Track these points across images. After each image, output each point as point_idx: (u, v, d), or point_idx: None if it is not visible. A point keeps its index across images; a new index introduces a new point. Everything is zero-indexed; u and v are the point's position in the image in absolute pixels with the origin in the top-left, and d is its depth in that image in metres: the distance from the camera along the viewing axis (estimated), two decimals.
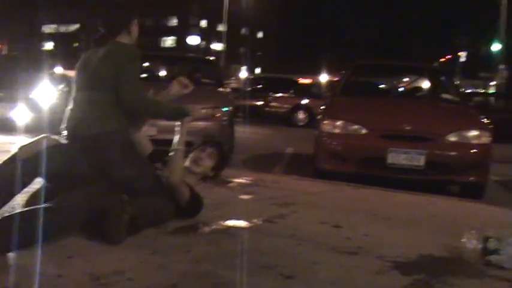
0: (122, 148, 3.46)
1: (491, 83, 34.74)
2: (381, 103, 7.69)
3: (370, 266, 3.05)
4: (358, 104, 7.40)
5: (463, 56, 51.51)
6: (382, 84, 10.96)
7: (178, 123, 3.75)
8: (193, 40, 76.24)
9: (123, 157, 3.45)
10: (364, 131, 6.52)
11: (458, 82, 13.71)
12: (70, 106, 3.58)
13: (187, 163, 3.85)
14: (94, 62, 3.54)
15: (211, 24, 74.04)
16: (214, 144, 4.09)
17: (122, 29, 3.65)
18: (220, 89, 9.19)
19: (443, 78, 9.17)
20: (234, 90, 18.95)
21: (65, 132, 3.52)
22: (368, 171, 6.43)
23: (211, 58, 12.94)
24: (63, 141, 3.45)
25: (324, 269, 2.95)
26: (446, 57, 56.33)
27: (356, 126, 6.57)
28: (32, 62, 13.73)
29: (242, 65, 55.28)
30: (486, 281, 2.95)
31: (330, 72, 29.49)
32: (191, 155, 3.90)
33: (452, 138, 6.41)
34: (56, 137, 3.40)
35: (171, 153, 3.67)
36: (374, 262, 3.12)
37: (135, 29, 3.72)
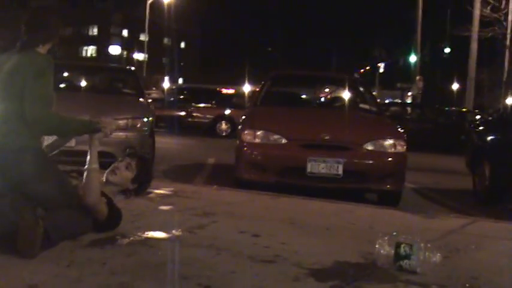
0: (36, 163, 3.34)
1: (409, 93, 36.03)
2: (301, 113, 7.84)
3: (287, 273, 3.10)
4: (278, 114, 7.51)
5: (381, 67, 53.17)
6: (302, 94, 11.17)
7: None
8: (114, 50, 75.10)
9: (37, 172, 3.34)
10: (284, 141, 6.63)
11: (376, 92, 14.10)
12: None
13: (105, 173, 3.78)
14: (4, 73, 3.41)
15: (133, 34, 73.24)
16: (135, 156, 4.03)
17: (51, 39, 3.53)
18: (141, 99, 9.11)
19: (361, 88, 9.43)
20: (155, 100, 18.81)
21: None
22: (288, 180, 6.53)
23: (132, 68, 12.80)
24: None
25: (241, 278, 2.98)
26: (366, 68, 57.96)
27: (276, 136, 6.66)
28: None
29: (165, 75, 54.94)
30: (398, 286, 3.05)
31: (252, 82, 29.77)
32: (111, 166, 3.84)
33: (369, 147, 6.60)
34: None
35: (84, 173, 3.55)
36: (291, 270, 3.17)
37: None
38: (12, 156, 3.28)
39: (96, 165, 3.55)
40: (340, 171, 6.37)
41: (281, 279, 3.00)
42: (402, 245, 3.25)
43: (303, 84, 11.19)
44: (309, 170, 6.37)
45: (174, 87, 32.28)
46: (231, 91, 27.20)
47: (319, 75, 11.37)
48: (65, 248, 3.25)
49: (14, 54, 3.49)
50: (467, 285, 3.14)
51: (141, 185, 3.90)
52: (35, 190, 3.30)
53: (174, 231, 3.93)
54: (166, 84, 42.67)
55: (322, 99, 12.14)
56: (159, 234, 3.83)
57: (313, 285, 2.96)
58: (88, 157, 3.57)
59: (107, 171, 3.78)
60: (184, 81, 56.44)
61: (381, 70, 53.47)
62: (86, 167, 3.54)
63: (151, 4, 46.18)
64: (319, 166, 6.38)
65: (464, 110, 24.04)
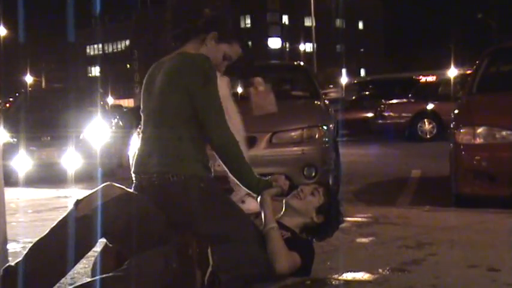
0: (207, 195, 3.43)
1: None
2: None
3: None
4: (503, 103, 7.20)
5: None
6: None
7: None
8: (273, 43, 76.91)
9: (208, 206, 3.43)
10: None
11: None
12: (138, 145, 3.60)
13: (287, 198, 3.85)
14: (157, 85, 3.51)
15: (295, 20, 74.56)
16: (323, 183, 4.18)
17: (194, 32, 3.58)
18: (317, 102, 9.19)
19: None
20: (334, 101, 18.97)
21: (133, 178, 3.55)
22: None
23: (301, 63, 13.03)
24: (130, 190, 3.41)
25: None
26: None
27: (505, 132, 6.42)
28: (80, 94, 14.34)
29: (341, 67, 55.35)
30: None
31: (460, 64, 29.02)
32: (294, 190, 3.89)
33: None
34: (119, 185, 3.32)
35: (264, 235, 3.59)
36: None
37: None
38: (175, 189, 3.38)
39: (274, 225, 3.59)
40: None
41: None
42: None
43: None
44: None
45: (355, 81, 32.41)
46: (431, 79, 26.70)
47: None
48: None
49: (163, 62, 3.61)
50: None
51: (327, 223, 3.91)
52: (204, 232, 3.36)
53: (380, 271, 3.88)
54: (344, 78, 42.93)
55: None
56: (362, 276, 3.81)
57: None
58: (262, 217, 3.63)
59: (289, 196, 3.84)
60: (367, 72, 56.49)
61: None
62: (263, 229, 3.59)
63: None
64: None
65: None
